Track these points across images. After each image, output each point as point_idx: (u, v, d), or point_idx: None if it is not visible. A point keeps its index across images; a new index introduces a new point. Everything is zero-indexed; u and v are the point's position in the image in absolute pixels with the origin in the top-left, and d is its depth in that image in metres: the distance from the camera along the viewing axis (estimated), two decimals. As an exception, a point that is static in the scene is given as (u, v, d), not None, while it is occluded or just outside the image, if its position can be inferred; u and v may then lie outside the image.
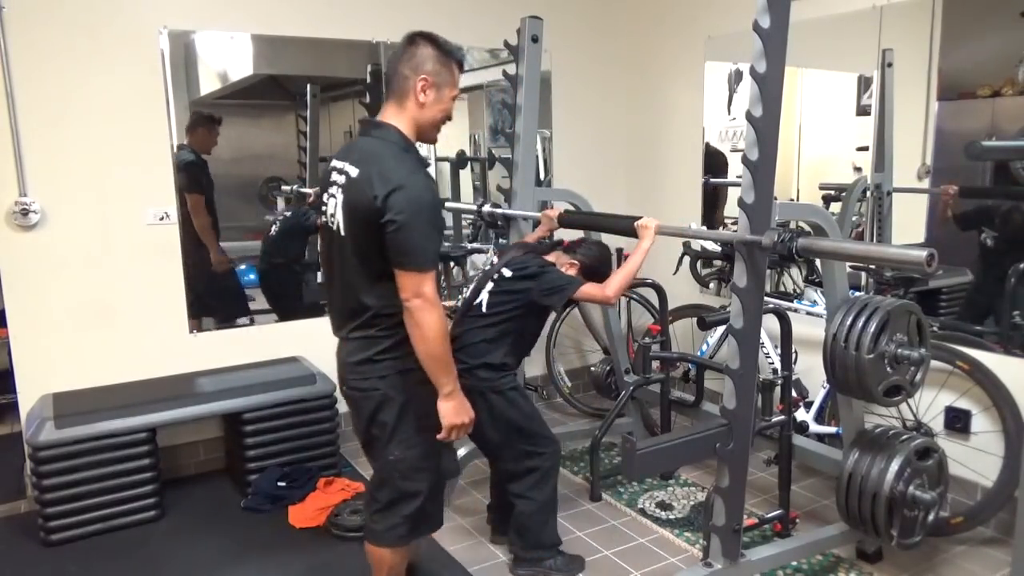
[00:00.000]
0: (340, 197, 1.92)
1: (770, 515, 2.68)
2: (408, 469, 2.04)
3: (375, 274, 1.90)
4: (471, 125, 4.34)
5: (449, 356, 1.93)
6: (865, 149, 3.21)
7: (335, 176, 1.95)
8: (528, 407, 2.62)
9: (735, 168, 3.79)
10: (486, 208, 3.29)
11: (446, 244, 4.18)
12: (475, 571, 2.66)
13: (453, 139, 4.27)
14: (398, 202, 1.80)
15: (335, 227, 1.94)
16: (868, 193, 3.19)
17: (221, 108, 3.51)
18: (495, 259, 2.91)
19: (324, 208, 2.00)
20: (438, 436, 1.99)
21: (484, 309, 2.54)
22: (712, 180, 3.96)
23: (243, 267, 3.82)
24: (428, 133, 2.02)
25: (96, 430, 2.86)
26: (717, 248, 3.65)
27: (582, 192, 3.30)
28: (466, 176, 4.28)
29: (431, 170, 4.15)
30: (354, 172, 1.88)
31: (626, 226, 2.63)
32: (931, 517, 2.41)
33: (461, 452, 3.18)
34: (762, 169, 2.05)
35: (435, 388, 1.95)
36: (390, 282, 1.87)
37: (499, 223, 3.32)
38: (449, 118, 2.06)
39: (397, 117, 1.96)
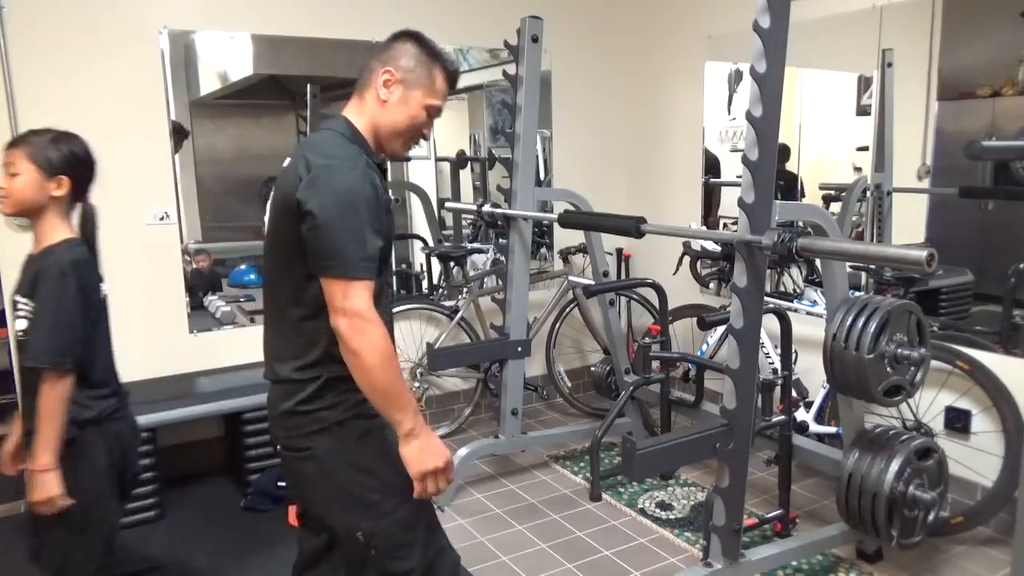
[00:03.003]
0: (276, 189, 1.61)
1: (770, 515, 2.68)
2: (387, 546, 1.61)
3: (299, 284, 1.55)
4: (471, 125, 4.34)
5: (401, 385, 1.50)
6: (865, 149, 3.21)
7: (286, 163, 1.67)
8: None
9: (728, 169, 3.79)
10: (486, 208, 3.29)
11: (446, 244, 4.19)
12: (475, 571, 2.66)
13: (453, 139, 4.28)
14: (320, 187, 1.46)
15: (266, 235, 1.64)
16: (868, 193, 3.19)
17: (221, 108, 3.51)
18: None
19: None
20: (413, 494, 1.54)
21: None
22: (712, 180, 3.96)
23: (243, 267, 3.82)
24: (389, 141, 1.66)
25: (96, 430, 2.86)
26: (717, 248, 3.65)
27: (582, 192, 3.30)
28: (466, 176, 4.28)
29: (431, 170, 4.17)
30: (286, 163, 1.61)
31: (626, 226, 2.62)
32: (931, 517, 2.41)
33: (462, 452, 3.18)
34: (762, 169, 2.05)
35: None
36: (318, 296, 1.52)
37: (499, 223, 3.32)
38: (423, 135, 1.72)
39: (353, 112, 1.66)
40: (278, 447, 1.67)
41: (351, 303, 1.45)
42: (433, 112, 1.69)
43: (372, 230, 1.49)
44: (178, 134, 3.40)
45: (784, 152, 3.51)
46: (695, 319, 3.19)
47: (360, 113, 1.65)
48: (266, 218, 1.65)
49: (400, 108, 1.63)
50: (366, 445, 1.60)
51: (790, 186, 3.53)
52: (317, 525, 1.78)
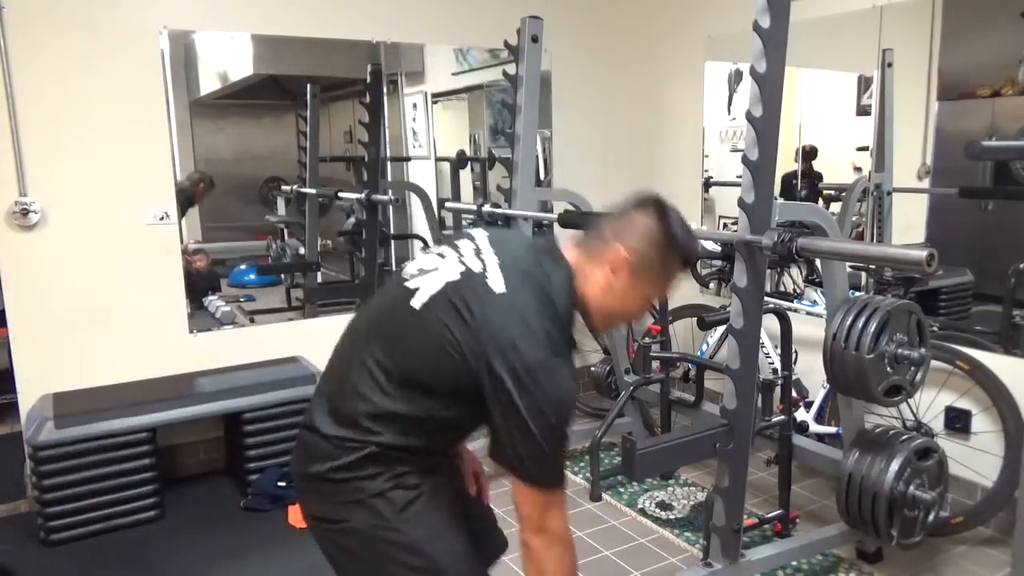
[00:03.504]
0: (452, 271, 1.38)
1: (770, 515, 2.68)
2: None
3: (411, 401, 1.37)
4: (471, 125, 4.34)
5: None
6: (865, 149, 3.21)
7: (467, 244, 1.44)
8: None
9: (728, 169, 3.78)
10: (486, 208, 3.29)
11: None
12: (475, 571, 2.66)
13: (453, 139, 4.28)
14: (534, 390, 1.26)
15: (411, 287, 1.40)
16: (868, 193, 3.19)
17: (221, 108, 3.51)
18: None
19: (423, 252, 1.51)
20: None
21: None
22: (713, 180, 3.96)
23: (243, 267, 3.83)
24: (596, 320, 1.46)
25: (96, 430, 2.86)
26: (717, 248, 3.65)
27: (582, 192, 3.30)
28: (466, 176, 4.28)
29: (431, 170, 4.18)
30: (495, 283, 1.33)
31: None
32: (931, 517, 2.41)
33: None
34: (762, 169, 2.05)
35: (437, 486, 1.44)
36: (426, 425, 1.38)
37: (499, 223, 3.32)
38: (636, 316, 1.53)
39: (578, 268, 1.42)
40: (307, 516, 1.49)
41: (551, 523, 1.33)
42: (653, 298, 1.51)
43: (565, 441, 1.34)
44: (198, 185, 3.46)
45: (812, 152, 3.51)
46: (695, 319, 3.19)
47: (583, 277, 1.41)
48: (428, 285, 1.38)
49: (621, 299, 1.42)
50: (409, 518, 1.40)
51: (814, 185, 3.52)
52: None
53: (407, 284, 1.41)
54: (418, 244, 4.21)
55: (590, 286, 1.41)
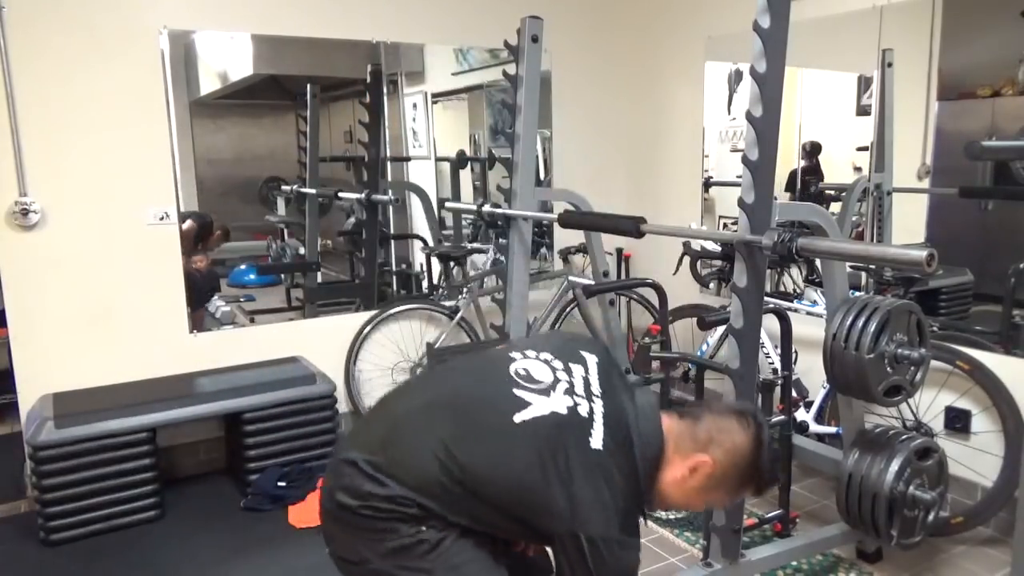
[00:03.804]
0: (561, 400, 1.38)
1: (770, 515, 2.68)
2: None
3: (474, 499, 1.35)
4: (471, 125, 4.34)
5: None
6: (865, 149, 3.21)
7: (576, 371, 1.44)
8: None
9: (729, 169, 3.78)
10: (486, 208, 3.29)
11: (446, 244, 4.19)
12: (475, 571, 2.66)
13: (453, 139, 4.28)
14: (601, 565, 1.30)
15: (512, 400, 1.38)
16: (868, 193, 3.19)
17: (221, 108, 3.51)
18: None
19: (527, 352, 1.48)
20: None
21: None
22: (713, 180, 3.96)
23: (243, 267, 3.83)
24: (656, 500, 1.48)
25: (96, 430, 2.86)
26: (717, 248, 3.65)
27: (582, 192, 3.30)
28: (466, 176, 4.28)
29: (431, 170, 4.18)
30: (596, 442, 1.34)
31: (626, 226, 2.62)
32: (931, 517, 2.41)
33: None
34: (762, 169, 2.05)
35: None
36: (471, 517, 1.36)
37: (499, 223, 3.32)
38: (691, 509, 1.60)
39: (667, 447, 1.43)
40: (331, 555, 1.48)
41: None
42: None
43: None
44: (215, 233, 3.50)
45: (816, 148, 3.51)
46: (695, 319, 3.19)
47: (667, 459, 1.43)
48: (537, 401, 1.37)
49: (686, 495, 1.45)
50: (437, 556, 1.37)
51: (818, 181, 3.53)
52: None
53: (514, 391, 1.38)
54: (418, 244, 4.21)
55: (669, 472, 1.43)
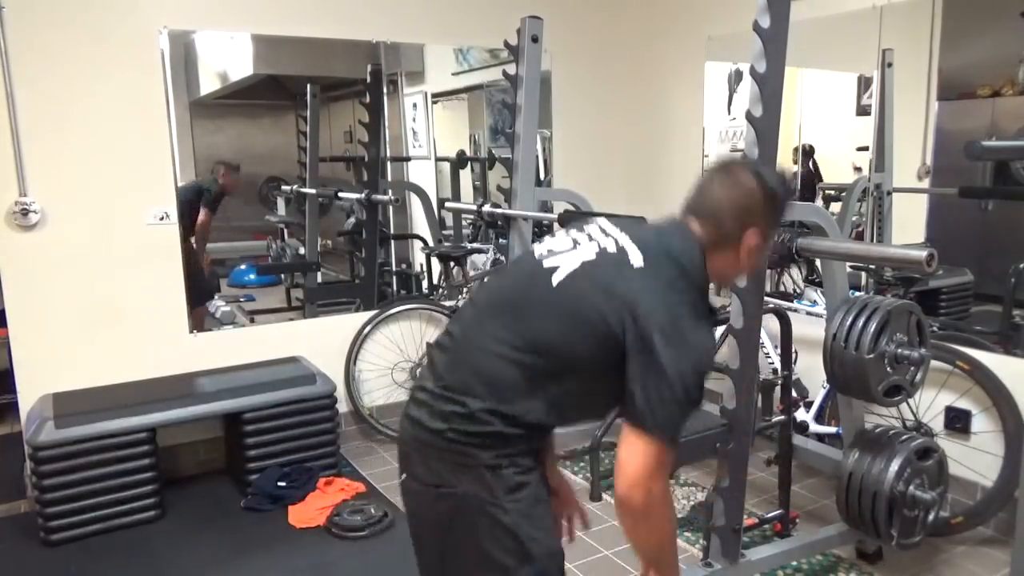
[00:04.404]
0: (587, 252, 1.43)
1: (770, 515, 2.68)
2: None
3: (550, 378, 1.39)
4: (471, 125, 4.34)
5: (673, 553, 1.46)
6: (865, 149, 3.21)
7: (596, 230, 1.49)
8: None
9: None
10: (486, 208, 3.29)
11: (446, 244, 4.19)
12: (475, 571, 2.66)
13: (453, 139, 4.28)
14: (663, 350, 1.30)
15: (547, 267, 1.44)
16: (868, 193, 3.19)
17: (221, 108, 3.51)
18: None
19: (546, 239, 1.54)
20: None
21: None
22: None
23: (243, 267, 3.83)
24: (725, 282, 1.61)
25: (96, 430, 2.86)
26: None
27: (582, 192, 3.30)
28: (466, 176, 4.28)
29: (431, 170, 4.18)
30: (633, 258, 1.40)
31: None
32: (931, 517, 2.41)
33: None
34: (762, 169, 2.05)
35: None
36: (545, 397, 1.39)
37: (499, 223, 3.32)
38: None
39: (708, 249, 1.46)
40: (412, 479, 1.48)
41: (658, 482, 1.33)
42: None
43: (693, 403, 1.39)
44: (224, 175, 3.55)
45: (810, 151, 3.51)
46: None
47: (712, 259, 1.46)
48: (567, 263, 1.42)
49: (749, 259, 1.50)
50: (515, 500, 1.40)
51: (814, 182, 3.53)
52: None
53: (544, 264, 1.45)
54: (418, 244, 4.21)
55: (717, 262, 1.47)
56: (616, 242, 1.44)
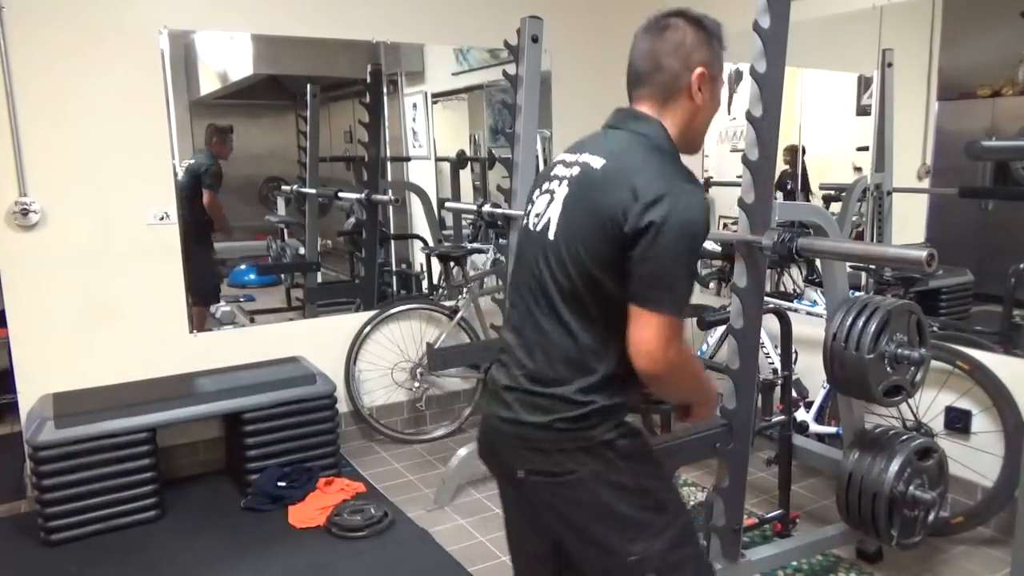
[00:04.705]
0: (562, 190, 1.46)
1: (770, 515, 2.68)
2: (664, 567, 1.47)
3: (599, 306, 1.41)
4: (471, 125, 4.34)
5: (704, 386, 1.55)
6: (865, 149, 3.21)
7: (559, 169, 1.50)
8: None
9: (729, 169, 3.78)
10: (486, 208, 3.29)
11: (446, 244, 4.19)
12: (475, 571, 2.66)
13: (453, 139, 4.28)
14: (660, 216, 1.31)
15: (540, 228, 1.49)
16: (868, 193, 3.19)
17: (221, 108, 3.51)
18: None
19: (529, 208, 1.55)
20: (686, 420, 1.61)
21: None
22: (713, 180, 3.96)
23: (243, 267, 3.83)
24: (696, 140, 1.55)
25: (96, 430, 2.86)
26: (717, 248, 3.64)
27: (582, 192, 3.30)
28: (466, 176, 4.28)
29: (431, 170, 4.18)
30: (597, 163, 1.42)
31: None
32: (931, 517, 2.41)
33: (462, 452, 3.18)
34: (762, 169, 2.05)
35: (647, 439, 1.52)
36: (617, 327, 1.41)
37: (499, 223, 3.32)
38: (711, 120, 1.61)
39: (663, 115, 1.47)
40: (519, 473, 1.47)
41: (672, 352, 1.36)
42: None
43: (696, 265, 1.45)
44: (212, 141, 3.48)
45: (803, 151, 3.52)
46: (695, 319, 3.19)
47: (670, 118, 1.48)
48: (552, 213, 1.47)
49: (710, 104, 1.50)
50: (634, 462, 1.47)
51: (805, 182, 3.53)
52: (558, 564, 1.57)
53: (537, 228, 1.50)
54: (418, 244, 4.21)
55: (679, 120, 1.48)
56: (578, 164, 1.46)
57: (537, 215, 1.51)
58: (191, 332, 3.41)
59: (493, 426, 1.52)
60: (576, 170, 1.46)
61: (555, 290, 1.44)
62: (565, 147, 1.56)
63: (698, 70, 1.46)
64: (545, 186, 1.52)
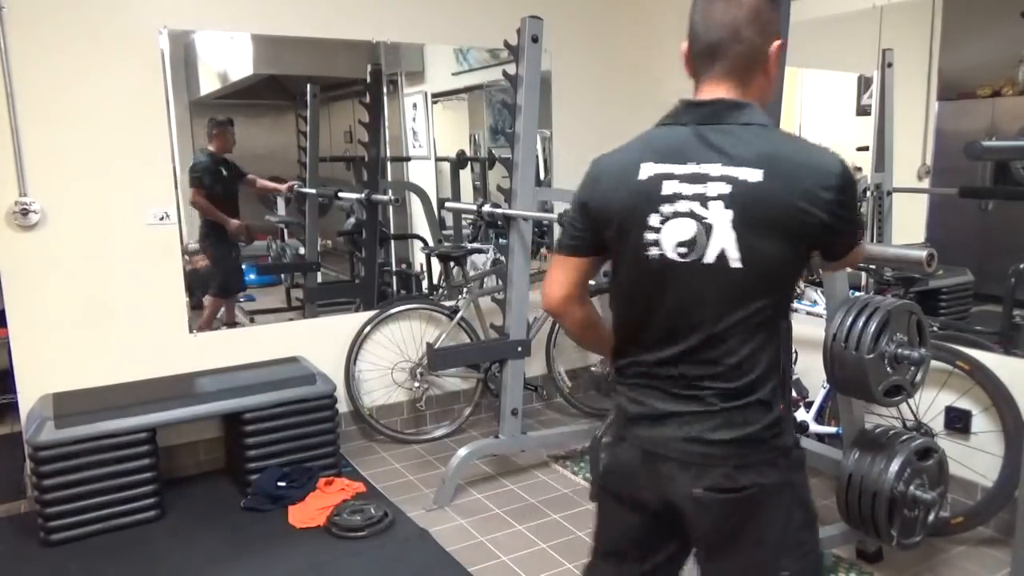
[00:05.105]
0: (721, 215, 1.28)
1: (770, 515, 2.67)
2: None
3: (771, 316, 1.35)
4: (471, 125, 4.34)
5: None
6: (865, 149, 3.21)
7: (675, 186, 1.32)
8: None
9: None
10: (486, 208, 3.29)
11: (446, 244, 4.19)
12: (475, 571, 2.66)
13: (453, 139, 4.28)
14: (838, 186, 1.26)
15: (694, 258, 1.30)
16: (868, 193, 3.19)
17: (221, 108, 3.51)
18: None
19: (645, 239, 1.34)
20: None
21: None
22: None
23: (243, 267, 3.83)
24: (766, 104, 1.45)
25: (96, 430, 2.86)
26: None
27: (582, 192, 3.29)
28: (466, 176, 4.28)
29: (431, 170, 4.18)
30: (751, 175, 1.26)
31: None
32: (931, 517, 2.41)
33: (462, 452, 3.18)
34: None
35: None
36: (781, 325, 1.38)
37: (499, 223, 3.32)
38: None
39: (745, 96, 1.35)
40: (695, 491, 1.35)
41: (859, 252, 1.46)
42: None
43: None
44: (212, 136, 3.48)
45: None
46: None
47: (756, 97, 1.36)
48: (721, 242, 1.29)
49: (777, 71, 1.40)
50: (802, 472, 1.41)
51: None
52: None
53: (688, 260, 1.31)
54: (418, 244, 4.21)
55: (759, 94, 1.37)
56: (726, 180, 1.28)
57: (681, 243, 1.31)
58: (191, 332, 3.41)
59: (667, 446, 1.39)
60: (724, 187, 1.28)
61: (725, 316, 1.32)
62: (649, 156, 1.38)
63: (775, 43, 1.33)
64: (667, 208, 1.32)
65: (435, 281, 4.19)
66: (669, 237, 1.32)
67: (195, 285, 3.45)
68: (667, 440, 1.38)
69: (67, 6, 3.01)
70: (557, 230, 4.23)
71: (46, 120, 3.02)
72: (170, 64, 3.23)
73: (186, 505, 3.16)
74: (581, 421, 4.05)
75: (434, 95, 4.08)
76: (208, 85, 3.45)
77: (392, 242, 4.15)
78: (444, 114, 4.19)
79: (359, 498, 3.16)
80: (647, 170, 1.36)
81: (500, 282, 3.80)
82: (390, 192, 3.98)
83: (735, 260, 1.28)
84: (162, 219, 3.28)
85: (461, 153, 4.26)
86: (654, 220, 1.33)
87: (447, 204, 4.11)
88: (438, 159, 4.17)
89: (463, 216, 4.23)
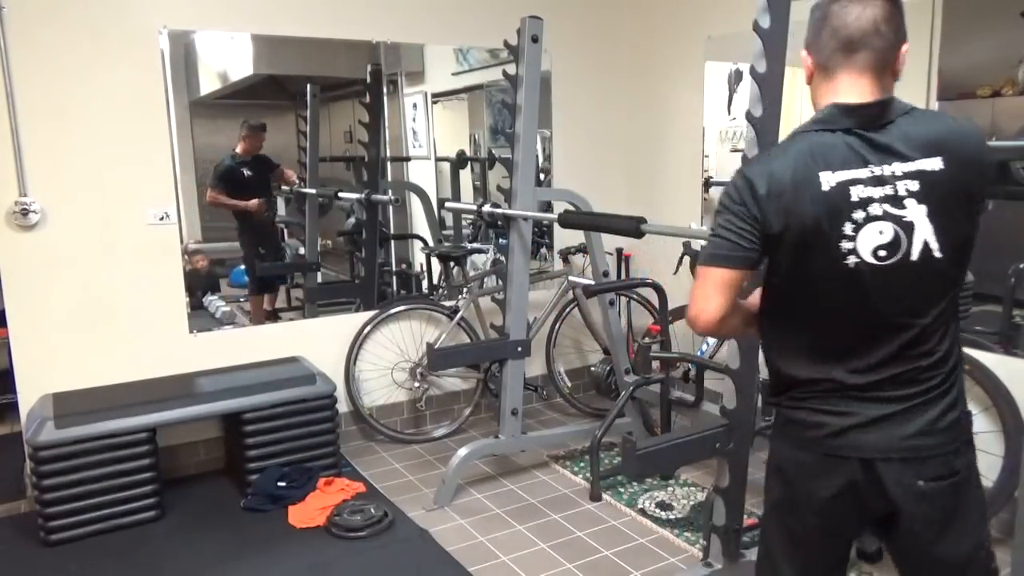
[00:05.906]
0: (916, 211, 1.31)
1: (770, 515, 2.67)
2: (991, 547, 1.58)
3: (957, 300, 1.41)
4: (471, 125, 4.34)
5: None
6: (865, 149, 3.21)
7: (862, 191, 1.32)
8: None
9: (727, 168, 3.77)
10: (486, 208, 3.29)
11: (446, 244, 4.19)
12: (475, 571, 2.66)
13: (453, 139, 4.28)
14: (987, 151, 1.36)
15: (899, 258, 1.31)
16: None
17: (221, 108, 3.51)
18: None
19: (842, 248, 1.32)
20: None
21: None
22: (713, 180, 3.96)
23: (241, 267, 3.82)
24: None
25: (96, 430, 2.86)
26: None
27: (582, 192, 3.30)
28: (466, 176, 4.28)
29: (431, 170, 4.18)
30: (934, 164, 1.30)
31: (626, 226, 2.62)
32: (931, 517, 2.41)
33: (462, 452, 3.18)
34: (762, 169, 2.05)
35: None
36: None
37: (499, 223, 3.32)
38: None
39: (881, 93, 1.41)
40: (920, 483, 1.38)
41: None
42: None
43: None
44: (246, 139, 3.60)
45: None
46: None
47: (889, 92, 1.43)
48: (923, 236, 1.32)
49: (899, 70, 1.46)
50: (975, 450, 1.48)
51: None
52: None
53: (891, 262, 1.32)
54: (418, 244, 4.21)
55: (890, 92, 1.44)
56: (913, 176, 1.32)
57: (880, 246, 1.32)
58: (191, 332, 3.41)
59: (868, 459, 1.40)
60: (912, 183, 1.31)
61: (934, 307, 1.36)
62: (823, 166, 1.38)
63: (905, 45, 1.37)
64: (859, 215, 1.32)
65: (435, 281, 4.19)
66: (865, 243, 1.32)
67: (195, 285, 3.45)
68: (889, 442, 1.38)
69: (67, 6, 3.01)
70: (557, 230, 4.23)
71: (46, 120, 3.02)
72: (170, 64, 3.23)
73: (186, 505, 3.17)
74: (581, 421, 4.05)
75: (434, 95, 4.08)
76: (208, 85, 3.45)
77: (392, 242, 4.15)
78: (444, 114, 4.19)
79: (359, 498, 3.16)
80: (828, 179, 1.35)
81: (500, 282, 3.80)
82: (390, 192, 3.98)
83: (937, 250, 1.32)
84: (162, 219, 3.28)
85: (461, 153, 4.26)
86: (848, 228, 1.33)
87: (447, 204, 4.11)
88: (438, 159, 4.17)
89: (463, 216, 4.23)
